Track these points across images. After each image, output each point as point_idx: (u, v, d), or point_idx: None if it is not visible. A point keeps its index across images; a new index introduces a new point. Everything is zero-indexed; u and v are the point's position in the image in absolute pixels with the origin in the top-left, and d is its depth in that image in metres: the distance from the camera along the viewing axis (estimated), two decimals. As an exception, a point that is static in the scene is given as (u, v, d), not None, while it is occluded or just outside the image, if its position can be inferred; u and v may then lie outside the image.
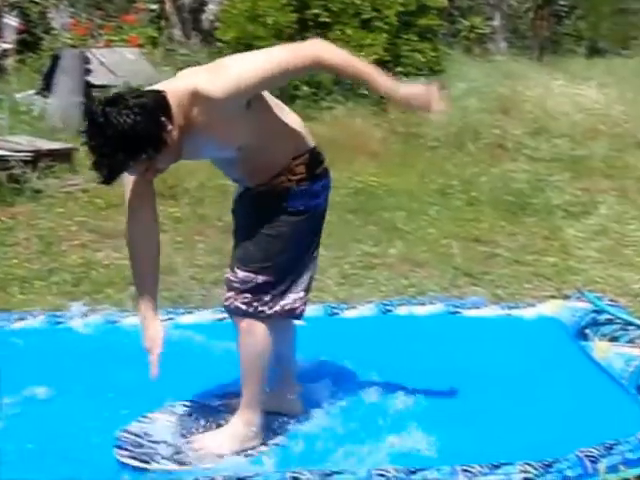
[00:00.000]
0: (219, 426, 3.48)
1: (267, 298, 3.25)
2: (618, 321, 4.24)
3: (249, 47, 11.11)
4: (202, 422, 3.54)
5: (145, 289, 3.41)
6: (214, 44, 13.11)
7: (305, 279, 3.33)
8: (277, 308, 3.26)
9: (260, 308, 3.25)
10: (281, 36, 11.30)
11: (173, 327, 4.39)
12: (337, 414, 3.58)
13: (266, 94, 3.24)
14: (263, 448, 3.36)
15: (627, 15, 19.07)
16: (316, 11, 11.49)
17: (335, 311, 4.68)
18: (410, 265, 5.80)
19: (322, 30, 11.37)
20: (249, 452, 3.32)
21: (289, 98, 10.76)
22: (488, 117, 10.69)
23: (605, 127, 10.67)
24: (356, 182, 7.88)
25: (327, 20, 11.49)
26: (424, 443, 3.29)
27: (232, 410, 3.47)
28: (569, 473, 2.97)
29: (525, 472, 2.95)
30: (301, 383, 3.69)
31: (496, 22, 18.07)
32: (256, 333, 3.26)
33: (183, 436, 3.43)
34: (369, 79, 3.10)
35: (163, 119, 2.90)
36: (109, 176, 2.91)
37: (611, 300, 4.73)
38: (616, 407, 3.66)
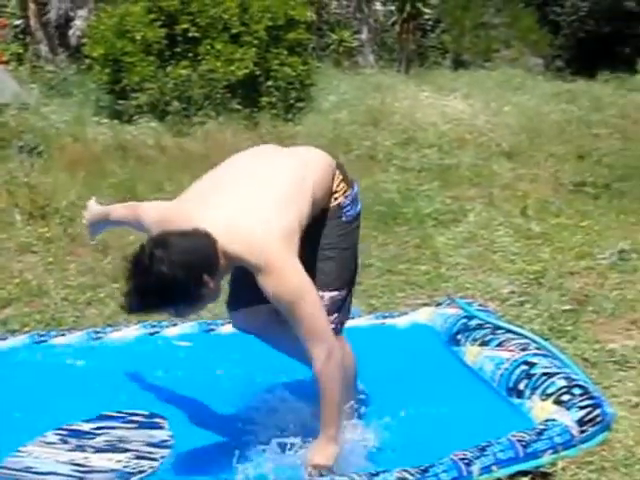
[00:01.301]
0: (99, 450, 3.43)
1: (344, 310, 3.35)
2: (488, 326, 4.35)
3: (118, 63, 11.05)
4: (77, 445, 3.49)
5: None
6: (82, 60, 12.92)
7: None
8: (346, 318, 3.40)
9: (343, 322, 3.37)
10: (150, 51, 11.24)
11: (45, 349, 4.33)
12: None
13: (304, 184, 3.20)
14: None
15: (488, 29, 19.68)
16: (185, 26, 11.46)
17: (211, 327, 4.65)
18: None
19: (191, 45, 11.36)
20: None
21: (159, 113, 10.71)
22: (359, 129, 10.87)
23: (471, 137, 10.99)
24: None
25: (196, 35, 11.47)
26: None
27: (107, 433, 3.42)
28: (444, 477, 3.04)
29: (402, 479, 3.00)
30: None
31: (364, 35, 18.40)
32: (344, 347, 3.28)
33: (70, 464, 3.37)
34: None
35: (206, 277, 2.88)
36: (136, 310, 2.95)
37: (480, 305, 4.86)
38: (488, 409, 3.76)
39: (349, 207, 3.35)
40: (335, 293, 3.29)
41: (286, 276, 2.92)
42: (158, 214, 3.18)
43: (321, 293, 3.17)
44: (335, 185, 3.32)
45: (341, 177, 3.35)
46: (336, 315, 3.30)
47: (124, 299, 2.91)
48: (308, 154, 3.38)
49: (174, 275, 2.79)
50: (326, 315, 3.09)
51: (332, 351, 3.03)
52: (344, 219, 3.33)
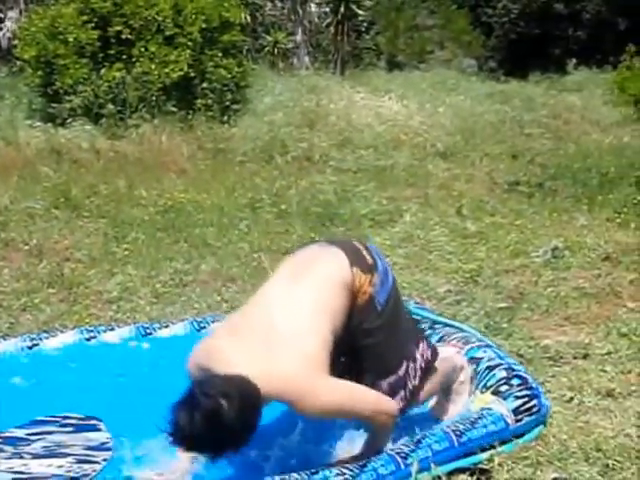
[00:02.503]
0: (37, 457, 3.39)
1: (408, 386, 3.42)
2: (425, 321, 4.37)
3: (50, 65, 10.91)
4: (13, 453, 3.44)
5: None
6: (13, 62, 12.73)
7: None
8: None
9: (411, 394, 3.45)
10: (83, 54, 11.12)
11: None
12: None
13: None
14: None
15: (422, 30, 19.87)
16: (118, 28, 11.36)
17: (148, 331, 4.62)
18: (222, 280, 5.81)
19: (125, 47, 11.26)
20: None
21: (94, 116, 10.60)
22: (295, 131, 10.89)
23: (407, 137, 11.08)
24: (165, 199, 7.82)
25: (130, 37, 11.38)
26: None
27: (44, 438, 3.38)
28: (382, 471, 3.06)
29: (342, 474, 3.02)
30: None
31: (299, 37, 18.42)
32: None
33: (8, 472, 3.32)
34: None
35: (247, 436, 2.89)
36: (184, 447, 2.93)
37: (417, 303, 4.89)
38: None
39: (379, 292, 3.32)
40: (392, 378, 3.35)
41: (324, 401, 3.03)
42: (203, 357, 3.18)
43: (379, 383, 3.30)
44: (358, 283, 3.26)
45: (360, 271, 3.28)
46: (401, 394, 3.37)
47: (176, 436, 2.87)
48: (322, 271, 3.28)
49: (215, 435, 2.83)
50: (380, 395, 3.22)
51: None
52: (379, 308, 3.31)
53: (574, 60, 17.32)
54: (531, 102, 13.69)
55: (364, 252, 3.35)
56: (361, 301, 3.24)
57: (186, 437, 2.83)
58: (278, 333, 3.06)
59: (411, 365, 3.41)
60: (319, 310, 3.14)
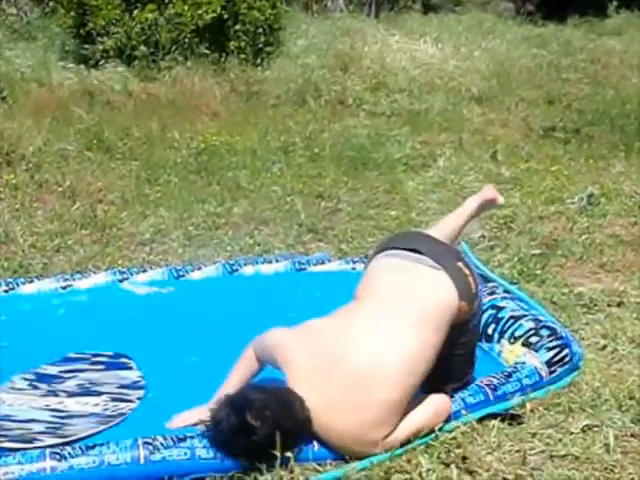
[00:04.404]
0: (72, 395, 3.42)
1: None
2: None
3: (82, 6, 10.84)
4: (48, 390, 3.47)
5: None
6: (46, 3, 12.67)
7: None
8: None
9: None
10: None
11: (13, 298, 4.30)
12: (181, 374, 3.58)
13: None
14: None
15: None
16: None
17: (181, 273, 4.63)
18: (255, 223, 5.81)
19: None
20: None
21: (126, 58, 10.56)
22: (328, 74, 10.78)
23: (441, 81, 10.94)
24: (198, 142, 7.80)
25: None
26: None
27: (76, 376, 3.41)
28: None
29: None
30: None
31: (333, -21, 18.14)
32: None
33: (46, 410, 3.35)
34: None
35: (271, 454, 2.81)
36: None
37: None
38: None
39: (475, 315, 3.31)
40: (457, 385, 3.32)
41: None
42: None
43: (444, 387, 3.21)
44: (461, 313, 3.18)
45: (466, 303, 3.20)
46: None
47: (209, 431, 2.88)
48: (429, 309, 3.11)
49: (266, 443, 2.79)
50: (426, 417, 3.06)
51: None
52: (471, 326, 3.30)
53: (615, 2, 16.91)
54: (569, 46, 13.44)
55: (470, 279, 3.25)
56: (458, 321, 3.18)
57: (215, 440, 2.85)
58: (362, 374, 2.91)
59: (470, 376, 3.40)
60: (414, 359, 2.98)
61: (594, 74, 11.71)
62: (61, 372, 3.65)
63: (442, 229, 3.86)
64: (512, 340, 3.72)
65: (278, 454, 2.77)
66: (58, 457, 2.77)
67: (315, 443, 2.94)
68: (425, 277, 3.21)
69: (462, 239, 4.80)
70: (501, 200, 4.24)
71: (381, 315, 3.08)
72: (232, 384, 3.13)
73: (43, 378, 3.61)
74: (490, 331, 3.84)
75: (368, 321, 3.07)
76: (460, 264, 3.29)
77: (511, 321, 3.80)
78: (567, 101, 10.13)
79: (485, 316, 3.82)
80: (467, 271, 3.27)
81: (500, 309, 3.90)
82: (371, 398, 2.88)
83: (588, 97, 10.35)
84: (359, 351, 2.96)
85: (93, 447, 2.82)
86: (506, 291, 4.14)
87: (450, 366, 3.24)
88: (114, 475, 2.79)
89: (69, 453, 2.79)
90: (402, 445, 2.96)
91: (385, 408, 2.89)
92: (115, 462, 2.78)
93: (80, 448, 2.82)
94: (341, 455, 2.93)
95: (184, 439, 2.88)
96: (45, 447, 2.93)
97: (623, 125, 8.66)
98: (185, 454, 2.84)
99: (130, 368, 3.72)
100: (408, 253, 3.30)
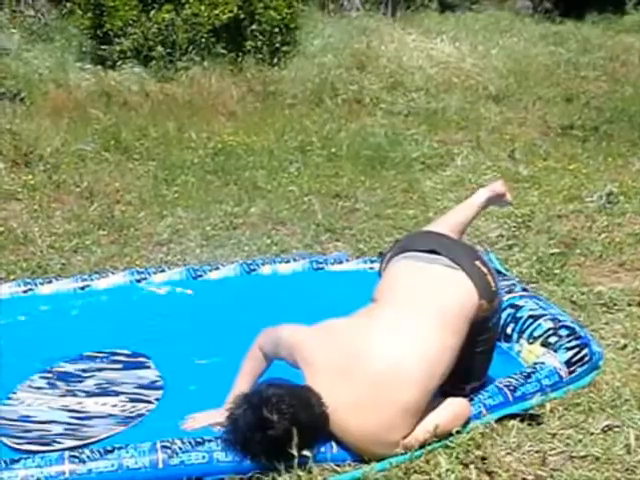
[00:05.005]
0: (91, 395, 3.43)
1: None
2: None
3: (100, 7, 10.87)
4: (67, 390, 3.48)
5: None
6: (63, 4, 12.69)
7: None
8: None
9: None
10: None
11: (32, 298, 4.32)
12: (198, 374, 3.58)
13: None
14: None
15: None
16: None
17: (199, 273, 4.63)
18: (272, 223, 5.80)
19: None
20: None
21: (143, 58, 10.58)
22: (345, 73, 10.76)
23: (458, 80, 10.90)
24: (215, 142, 7.81)
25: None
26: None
27: (94, 375, 3.41)
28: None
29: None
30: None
31: (349, -22, 18.11)
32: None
33: (65, 410, 3.36)
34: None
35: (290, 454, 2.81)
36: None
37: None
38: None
39: (495, 313, 3.31)
40: (476, 384, 3.31)
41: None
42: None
43: (463, 386, 3.23)
44: (480, 311, 3.18)
45: (486, 301, 3.19)
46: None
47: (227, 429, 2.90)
48: (449, 308, 3.11)
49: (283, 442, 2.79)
50: (445, 421, 3.03)
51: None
52: (490, 325, 3.30)
53: (633, -1, 16.83)
54: (587, 43, 13.37)
55: (489, 277, 3.24)
56: (478, 319, 3.17)
57: (232, 438, 2.86)
58: (381, 376, 2.90)
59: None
60: (434, 361, 2.97)
61: (612, 71, 11.64)
62: (79, 370, 3.67)
63: (452, 221, 3.85)
64: (531, 340, 3.71)
65: (295, 452, 2.76)
66: (77, 460, 2.78)
67: (334, 444, 2.93)
68: (443, 277, 3.20)
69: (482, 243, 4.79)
70: (509, 198, 4.21)
71: (400, 317, 3.07)
72: (243, 384, 3.14)
73: (61, 377, 3.62)
74: (509, 330, 3.82)
75: (387, 323, 3.06)
76: (478, 263, 3.27)
77: (530, 320, 3.79)
78: (585, 99, 10.07)
79: (504, 315, 3.81)
80: (485, 269, 3.25)
81: (519, 308, 3.88)
82: (389, 399, 2.87)
83: (606, 95, 10.29)
84: (378, 352, 2.95)
85: (112, 450, 2.83)
86: (524, 289, 4.12)
87: (470, 365, 3.23)
88: (133, 478, 2.79)
89: (88, 456, 2.80)
90: (421, 447, 2.95)
91: (403, 410, 2.88)
92: (134, 466, 2.79)
93: (99, 451, 2.83)
94: (359, 456, 2.92)
95: (202, 442, 2.88)
96: (64, 450, 2.93)
97: (642, 123, 8.61)
98: (203, 457, 2.84)
99: (148, 367, 3.73)
100: (426, 255, 3.29)
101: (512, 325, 3.83)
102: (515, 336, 3.79)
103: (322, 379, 2.93)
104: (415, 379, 2.90)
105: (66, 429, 3.21)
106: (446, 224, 3.76)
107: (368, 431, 2.88)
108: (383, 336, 3.01)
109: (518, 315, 3.84)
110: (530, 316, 3.82)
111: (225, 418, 2.88)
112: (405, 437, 2.91)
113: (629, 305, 4.35)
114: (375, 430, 2.88)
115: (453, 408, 3.08)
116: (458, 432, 3.03)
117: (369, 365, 2.92)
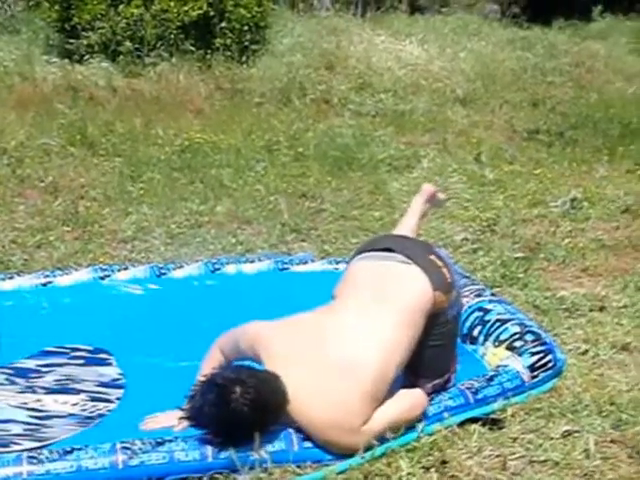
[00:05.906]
0: (50, 392, 3.39)
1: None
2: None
3: (68, 0, 10.76)
4: (26, 386, 3.45)
5: None
6: (31, -4, 12.58)
7: None
8: None
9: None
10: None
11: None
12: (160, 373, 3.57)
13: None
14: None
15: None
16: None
17: (162, 271, 4.61)
18: (238, 222, 5.79)
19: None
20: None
21: (111, 53, 10.51)
22: (313, 73, 10.76)
23: (426, 82, 10.94)
24: (182, 139, 7.77)
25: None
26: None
27: (54, 371, 3.41)
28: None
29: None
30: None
31: (319, -23, 18.10)
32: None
33: (24, 409, 3.33)
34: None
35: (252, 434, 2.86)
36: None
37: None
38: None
39: (452, 307, 3.34)
40: (437, 381, 3.34)
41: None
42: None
43: (421, 380, 3.27)
44: (436, 303, 3.24)
45: (442, 293, 3.26)
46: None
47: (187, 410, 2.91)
48: (404, 302, 3.20)
49: (244, 417, 2.83)
50: (402, 409, 3.08)
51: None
52: (448, 317, 3.33)
53: (599, 6, 16.92)
54: (554, 49, 13.45)
55: (444, 270, 3.33)
56: (435, 311, 3.24)
57: (193, 414, 2.88)
58: (338, 363, 2.98)
59: (452, 376, 3.43)
60: (391, 349, 3.06)
61: (578, 77, 11.74)
62: (39, 366, 3.63)
63: (405, 227, 4.02)
64: (497, 343, 3.73)
65: (257, 432, 2.81)
66: (35, 461, 2.75)
67: (294, 440, 2.93)
68: (398, 272, 3.31)
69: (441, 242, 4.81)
70: (443, 196, 4.58)
71: (359, 310, 3.18)
72: None
73: (21, 372, 3.58)
74: (476, 333, 3.85)
75: (346, 315, 3.17)
76: (432, 257, 3.38)
77: (497, 324, 3.81)
78: (551, 104, 10.15)
79: (471, 318, 3.88)
80: (440, 263, 3.36)
81: (487, 312, 3.91)
82: (349, 385, 2.93)
83: (572, 100, 10.37)
84: (338, 341, 3.05)
85: (71, 451, 2.79)
86: (493, 294, 4.15)
87: (428, 358, 3.27)
88: (92, 480, 2.77)
89: (46, 457, 2.77)
90: (379, 440, 2.96)
91: (362, 395, 2.94)
92: (93, 467, 2.76)
93: (57, 452, 2.79)
94: (321, 446, 2.95)
95: (162, 443, 2.86)
96: (22, 451, 2.90)
97: (606, 129, 8.68)
98: (164, 458, 2.82)
99: (110, 364, 3.71)
100: (381, 253, 3.41)
101: (479, 328, 3.85)
102: (481, 339, 3.82)
103: (282, 365, 2.99)
104: (373, 367, 2.98)
105: (25, 429, 3.18)
106: (403, 231, 3.93)
107: (328, 416, 2.92)
108: (342, 327, 3.11)
109: (486, 318, 3.87)
110: (498, 320, 3.84)
111: (188, 398, 2.90)
112: (364, 423, 2.94)
113: (591, 310, 4.38)
114: (335, 415, 2.92)
115: (410, 398, 3.14)
116: (421, 432, 3.04)
117: (329, 353, 3.02)
